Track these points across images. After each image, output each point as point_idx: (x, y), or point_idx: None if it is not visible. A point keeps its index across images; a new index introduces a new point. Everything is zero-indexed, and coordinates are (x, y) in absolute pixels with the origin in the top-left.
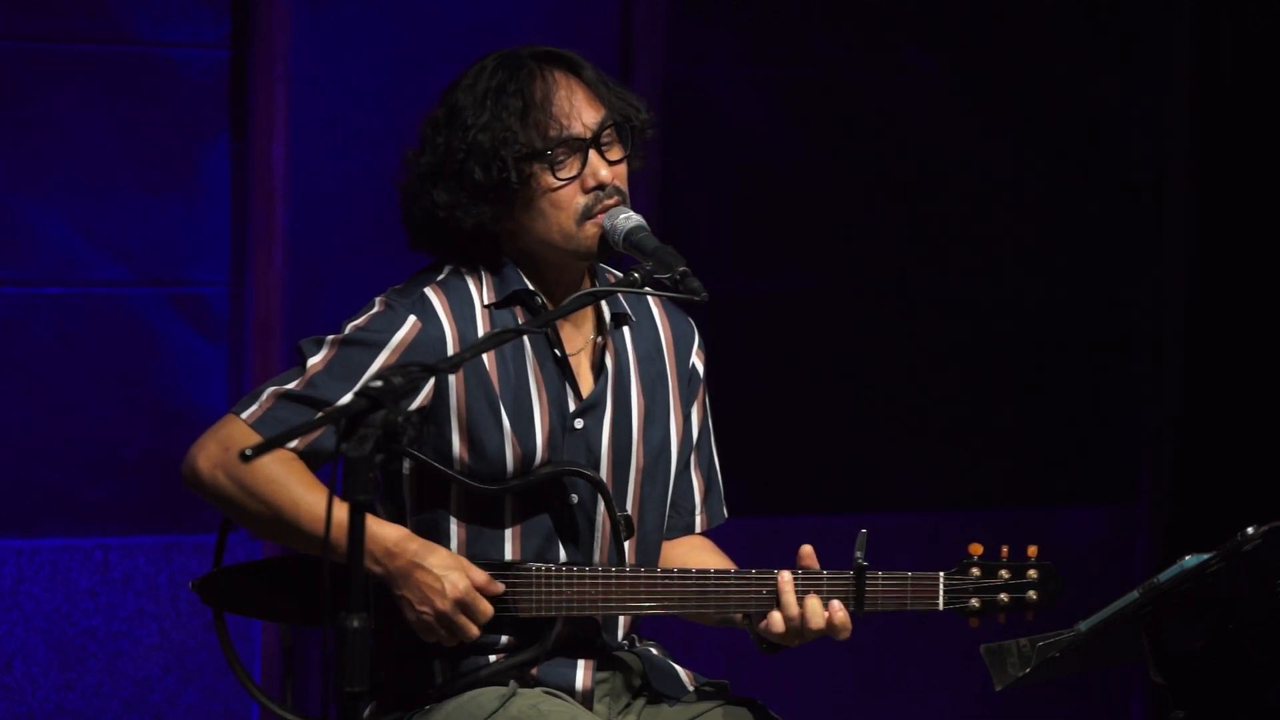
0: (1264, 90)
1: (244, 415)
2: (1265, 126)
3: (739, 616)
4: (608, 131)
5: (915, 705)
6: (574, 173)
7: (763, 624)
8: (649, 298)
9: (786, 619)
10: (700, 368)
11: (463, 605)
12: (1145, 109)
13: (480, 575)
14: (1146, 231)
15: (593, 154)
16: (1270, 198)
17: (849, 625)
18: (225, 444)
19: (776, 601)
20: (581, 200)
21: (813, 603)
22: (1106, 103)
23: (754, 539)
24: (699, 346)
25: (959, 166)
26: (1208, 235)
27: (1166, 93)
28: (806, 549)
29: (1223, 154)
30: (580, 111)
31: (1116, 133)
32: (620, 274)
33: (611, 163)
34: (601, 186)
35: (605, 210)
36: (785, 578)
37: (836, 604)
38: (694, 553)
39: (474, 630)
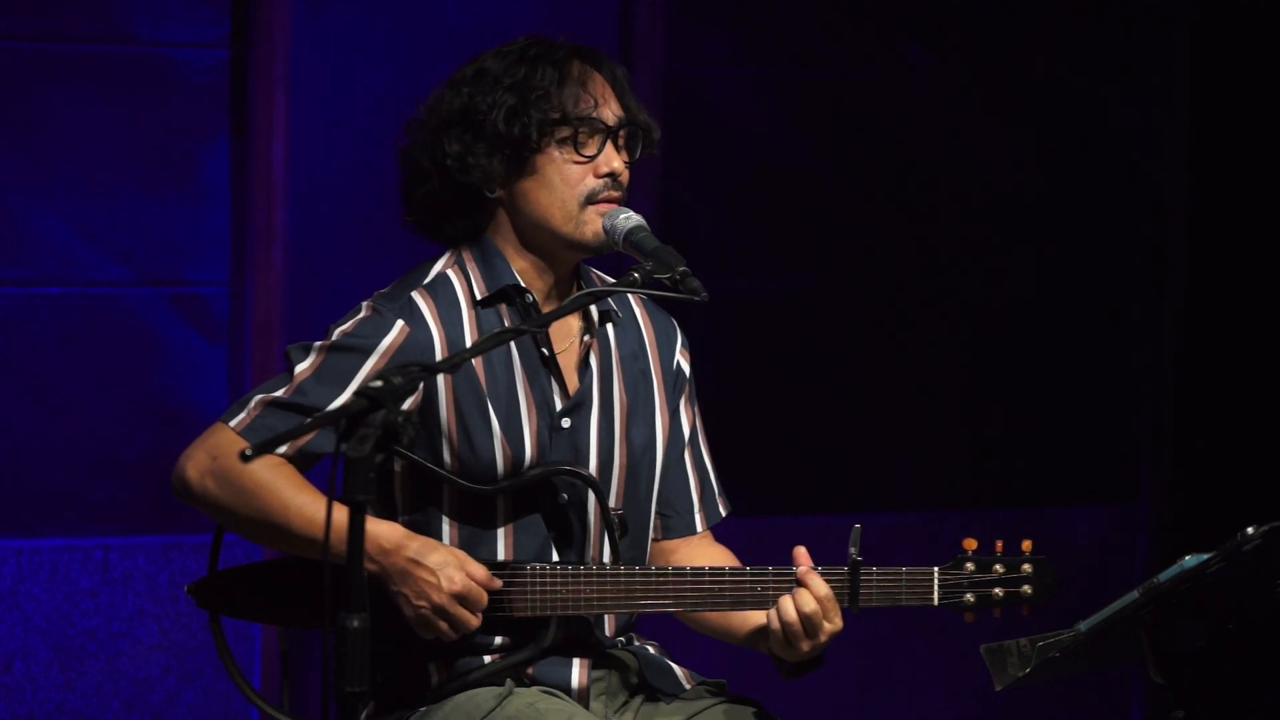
0: (1264, 94)
1: (232, 423)
2: (1265, 129)
3: (763, 639)
4: (626, 130)
5: (914, 705)
6: (593, 153)
7: (769, 634)
8: (630, 297)
9: (785, 623)
10: (686, 367)
11: (460, 598)
12: (1145, 111)
13: (479, 569)
14: (1146, 232)
15: (609, 143)
16: (1269, 199)
17: (827, 587)
18: (213, 452)
19: (771, 603)
20: (590, 183)
21: (789, 598)
22: (1107, 104)
23: (754, 539)
24: (683, 345)
25: (959, 167)
26: (1207, 236)
27: (1167, 95)
28: (800, 552)
29: (1222, 155)
30: (609, 101)
31: (1116, 134)
32: (610, 277)
33: (624, 163)
34: (613, 175)
35: (608, 200)
36: (801, 551)
37: (800, 558)
38: (707, 557)
39: (473, 622)
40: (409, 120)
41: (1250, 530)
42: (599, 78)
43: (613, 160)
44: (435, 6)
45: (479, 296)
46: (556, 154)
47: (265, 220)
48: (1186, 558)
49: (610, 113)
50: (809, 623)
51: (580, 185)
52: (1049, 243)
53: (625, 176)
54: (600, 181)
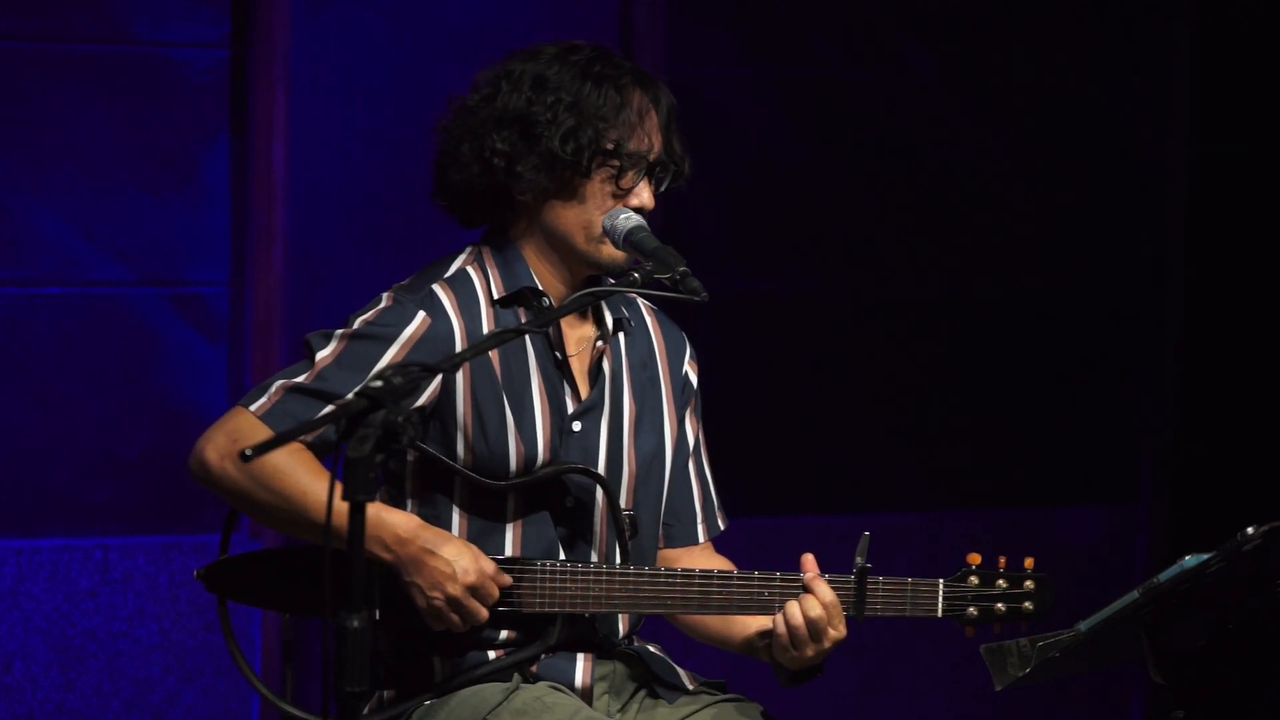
0: (1263, 90)
1: (252, 408)
2: (1264, 127)
3: (761, 645)
4: (663, 168)
5: (915, 705)
6: (630, 187)
7: (773, 637)
8: (641, 306)
9: (791, 627)
10: (694, 378)
11: (473, 590)
12: (1144, 109)
13: (490, 565)
14: (1146, 231)
15: (645, 179)
16: (1269, 198)
17: (833, 594)
18: (233, 436)
19: (777, 607)
20: None
21: (795, 604)
22: (1106, 103)
23: (754, 539)
24: (691, 356)
25: (958, 166)
26: (1206, 235)
27: (1166, 93)
28: (808, 559)
29: (1222, 154)
30: (657, 139)
31: (1116, 133)
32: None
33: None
34: (640, 210)
35: None
36: (808, 559)
37: (811, 576)
38: (709, 566)
39: (484, 615)
40: (452, 97)
41: (1250, 530)
42: (655, 114)
43: (644, 195)
44: (435, 6)
45: (497, 296)
46: (598, 181)
47: (265, 220)
48: (1186, 558)
49: (655, 150)
50: (814, 628)
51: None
52: (1049, 242)
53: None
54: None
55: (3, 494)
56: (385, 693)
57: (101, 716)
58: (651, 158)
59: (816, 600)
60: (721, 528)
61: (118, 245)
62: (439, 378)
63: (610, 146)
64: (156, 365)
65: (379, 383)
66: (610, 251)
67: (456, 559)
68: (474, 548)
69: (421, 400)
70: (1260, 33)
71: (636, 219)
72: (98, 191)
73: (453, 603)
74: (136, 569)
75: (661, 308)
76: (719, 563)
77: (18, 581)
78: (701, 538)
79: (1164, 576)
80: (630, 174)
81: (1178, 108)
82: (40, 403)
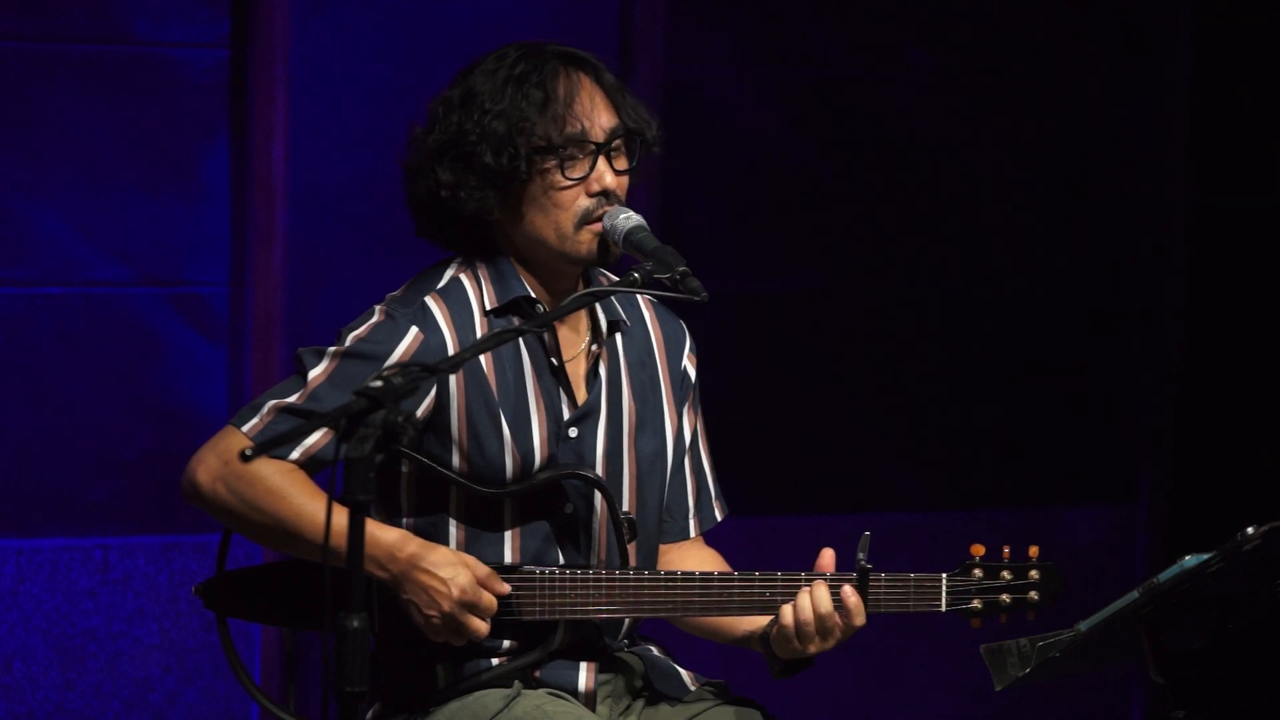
0: (1264, 90)
1: (244, 428)
2: (1265, 127)
3: (755, 638)
4: (619, 141)
5: (914, 706)
6: (582, 174)
7: (775, 629)
8: (640, 300)
9: (799, 619)
10: (692, 372)
11: (468, 605)
12: (1145, 109)
13: (483, 569)
14: (1146, 232)
15: (601, 159)
16: (1270, 198)
17: (862, 609)
18: (225, 457)
19: (783, 601)
20: (584, 203)
21: (807, 594)
22: (1107, 103)
23: (754, 539)
24: (690, 350)
25: (958, 167)
26: (1207, 235)
27: (1167, 92)
28: (827, 555)
29: (1223, 154)
30: (598, 115)
31: (1117, 133)
32: (615, 276)
33: (618, 172)
34: (605, 193)
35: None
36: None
37: (848, 589)
38: (697, 560)
39: (483, 629)
40: (412, 130)
41: (1250, 530)
42: (586, 90)
43: (604, 177)
44: (435, 6)
45: (490, 306)
46: (547, 179)
47: (265, 220)
48: (1186, 558)
49: (600, 128)
50: (823, 625)
51: (573, 207)
52: (1049, 242)
53: (623, 187)
54: (593, 201)
55: (3, 494)
56: (386, 700)
57: (101, 716)
58: (596, 138)
59: (828, 599)
60: (718, 518)
61: (118, 245)
62: (433, 391)
63: (542, 144)
64: (156, 365)
65: (378, 382)
66: (589, 247)
67: (452, 576)
68: (466, 557)
69: (419, 412)
70: (1261, 34)
71: (637, 218)
72: (98, 191)
73: (449, 620)
74: (136, 569)
75: (671, 311)
76: (708, 555)
77: (18, 581)
78: (693, 532)
79: (1164, 576)
80: (577, 163)
81: (1178, 109)
82: (40, 403)
